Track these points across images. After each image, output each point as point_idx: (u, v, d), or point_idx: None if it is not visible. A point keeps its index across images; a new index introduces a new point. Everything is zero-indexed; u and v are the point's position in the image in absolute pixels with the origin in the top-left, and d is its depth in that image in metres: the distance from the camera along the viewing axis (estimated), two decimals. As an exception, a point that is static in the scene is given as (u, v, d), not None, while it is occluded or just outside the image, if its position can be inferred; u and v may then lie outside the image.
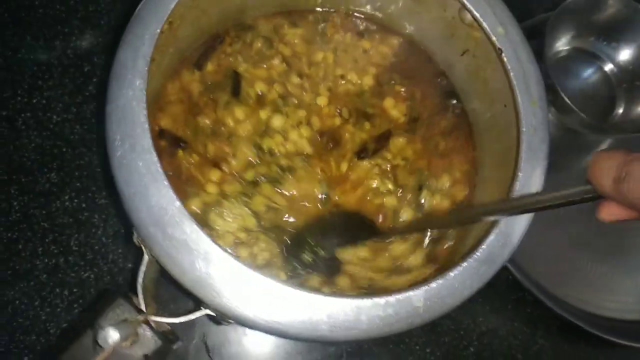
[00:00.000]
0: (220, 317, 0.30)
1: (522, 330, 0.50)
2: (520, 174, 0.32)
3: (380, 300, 0.27)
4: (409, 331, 0.48)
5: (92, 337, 0.29)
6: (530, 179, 0.32)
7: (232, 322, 0.31)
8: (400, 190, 0.39)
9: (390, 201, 0.38)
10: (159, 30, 0.30)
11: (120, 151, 0.28)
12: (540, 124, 0.34)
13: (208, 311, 0.29)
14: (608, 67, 0.57)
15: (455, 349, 0.48)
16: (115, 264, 0.45)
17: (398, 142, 0.40)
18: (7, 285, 0.43)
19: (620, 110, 0.57)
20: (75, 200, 0.46)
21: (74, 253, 0.45)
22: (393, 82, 0.42)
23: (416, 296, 0.28)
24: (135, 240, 0.30)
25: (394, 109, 0.41)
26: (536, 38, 0.49)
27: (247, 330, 0.45)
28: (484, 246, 0.30)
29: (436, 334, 0.48)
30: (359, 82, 0.42)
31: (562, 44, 0.57)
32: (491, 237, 0.31)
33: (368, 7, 0.43)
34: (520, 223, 0.32)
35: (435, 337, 0.48)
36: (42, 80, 0.49)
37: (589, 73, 0.58)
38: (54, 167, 0.46)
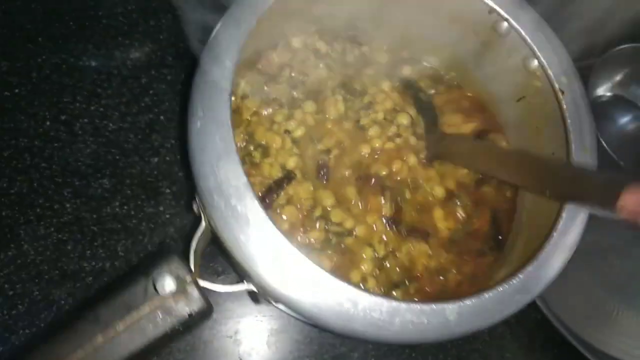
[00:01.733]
0: (261, 295, 0.31)
1: (548, 370, 0.51)
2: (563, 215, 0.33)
3: (416, 307, 0.28)
4: (436, 361, 0.50)
5: (144, 285, 0.30)
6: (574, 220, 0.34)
7: (271, 301, 0.31)
8: None
9: None
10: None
11: (200, 122, 0.30)
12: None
13: (251, 286, 0.30)
14: (647, 116, 0.59)
15: (482, 383, 0.49)
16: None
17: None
18: (55, 285, 0.44)
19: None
20: (125, 207, 0.47)
21: (120, 258, 0.46)
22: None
23: (450, 309, 0.29)
24: (195, 208, 0.31)
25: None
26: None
27: (279, 345, 0.46)
28: (521, 275, 0.31)
29: (464, 366, 0.49)
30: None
31: (603, 90, 0.58)
32: (529, 268, 0.32)
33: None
34: (557, 257, 0.33)
35: (462, 370, 0.49)
36: (101, 88, 0.51)
37: (626, 120, 0.59)
38: (107, 174, 0.48)
